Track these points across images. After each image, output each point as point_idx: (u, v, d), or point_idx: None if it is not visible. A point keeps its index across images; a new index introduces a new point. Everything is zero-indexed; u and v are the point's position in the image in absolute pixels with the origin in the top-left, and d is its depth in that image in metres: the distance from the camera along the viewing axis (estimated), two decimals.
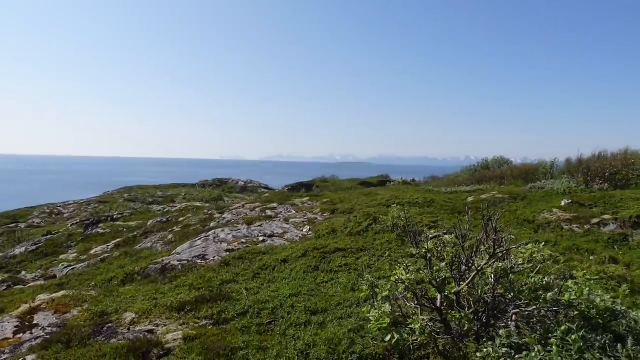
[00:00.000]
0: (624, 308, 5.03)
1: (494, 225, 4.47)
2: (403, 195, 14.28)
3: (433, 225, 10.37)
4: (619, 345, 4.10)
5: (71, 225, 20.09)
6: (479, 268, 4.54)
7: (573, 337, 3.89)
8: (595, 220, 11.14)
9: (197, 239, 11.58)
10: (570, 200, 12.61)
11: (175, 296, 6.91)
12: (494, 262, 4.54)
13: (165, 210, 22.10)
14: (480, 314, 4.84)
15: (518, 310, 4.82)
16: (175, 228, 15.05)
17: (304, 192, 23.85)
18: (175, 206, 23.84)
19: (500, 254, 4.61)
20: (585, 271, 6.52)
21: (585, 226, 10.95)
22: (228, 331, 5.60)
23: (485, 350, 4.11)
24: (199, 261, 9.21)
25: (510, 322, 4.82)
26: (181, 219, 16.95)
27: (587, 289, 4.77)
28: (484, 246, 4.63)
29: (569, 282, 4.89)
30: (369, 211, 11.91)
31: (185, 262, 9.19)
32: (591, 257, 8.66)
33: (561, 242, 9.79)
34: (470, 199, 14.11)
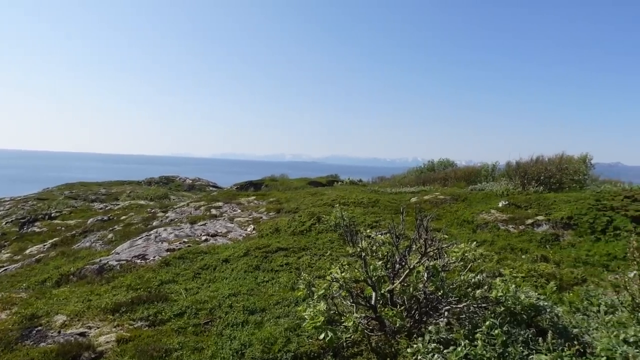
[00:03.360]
0: (548, 304, 5.29)
1: (425, 225, 4.60)
2: (349, 195, 14.44)
3: (375, 224, 10.54)
4: (540, 339, 4.30)
5: (5, 224, 19.16)
6: (411, 266, 4.66)
7: (496, 331, 4.07)
8: (529, 221, 11.62)
9: (138, 238, 11.31)
10: (507, 202, 13.10)
11: (111, 297, 6.74)
12: (425, 261, 4.67)
13: (107, 208, 21.43)
14: (413, 311, 4.97)
15: (449, 307, 4.98)
16: (116, 227, 14.64)
17: (252, 191, 23.69)
18: (118, 204, 23.15)
19: (432, 253, 4.75)
20: (514, 269, 6.81)
21: (520, 226, 11.40)
22: (164, 332, 5.52)
23: (415, 346, 4.24)
24: (138, 261, 9.00)
25: (442, 319, 4.97)
26: (123, 217, 16.50)
27: (514, 286, 4.99)
28: (417, 245, 4.76)
29: (497, 280, 5.09)
30: (314, 211, 11.98)
31: (124, 262, 8.96)
32: (523, 256, 9.04)
33: (497, 241, 10.17)
34: (413, 199, 14.43)
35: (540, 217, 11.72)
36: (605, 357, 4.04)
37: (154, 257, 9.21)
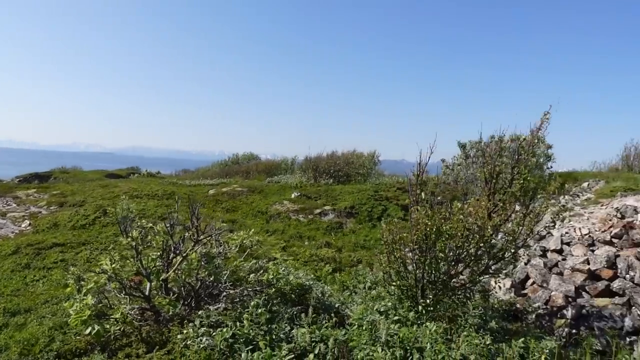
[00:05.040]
0: (315, 283, 5.83)
1: (197, 213, 4.69)
2: (144, 187, 13.90)
3: (167, 217, 10.32)
4: (303, 315, 4.72)
5: None
6: (184, 254, 4.72)
7: (260, 310, 4.35)
8: (318, 211, 12.53)
9: None
10: (299, 193, 13.94)
11: None
12: (198, 248, 4.77)
13: None
14: (189, 299, 5.04)
15: (226, 292, 5.17)
16: None
17: (37, 183, 21.37)
18: None
19: (206, 240, 4.87)
20: (297, 255, 7.31)
21: (310, 216, 12.22)
22: None
23: (185, 331, 4.32)
24: None
25: (219, 304, 5.13)
26: None
27: (283, 268, 5.39)
28: (189, 233, 4.83)
29: (270, 264, 5.44)
30: (102, 203, 11.29)
31: None
32: (307, 243, 9.73)
33: (288, 230, 10.76)
34: (212, 191, 14.49)
35: (327, 207, 12.71)
36: (357, 325, 4.60)
37: None
